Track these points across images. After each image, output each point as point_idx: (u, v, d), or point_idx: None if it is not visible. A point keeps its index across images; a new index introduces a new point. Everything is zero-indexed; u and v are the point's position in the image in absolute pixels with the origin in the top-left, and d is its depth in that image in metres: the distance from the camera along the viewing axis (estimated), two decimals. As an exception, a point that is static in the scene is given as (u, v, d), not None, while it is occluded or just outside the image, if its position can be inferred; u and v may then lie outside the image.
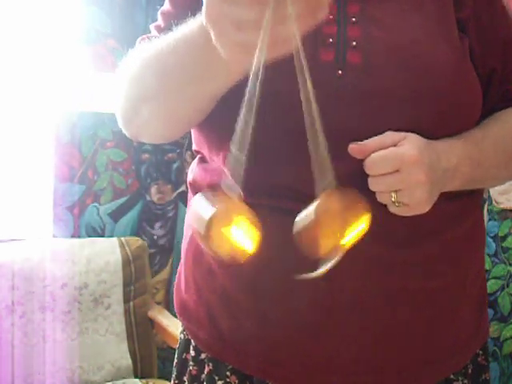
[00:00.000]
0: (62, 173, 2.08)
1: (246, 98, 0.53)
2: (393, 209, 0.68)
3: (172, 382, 0.87)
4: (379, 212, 0.67)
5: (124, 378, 1.93)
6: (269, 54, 0.51)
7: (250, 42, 0.50)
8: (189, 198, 0.86)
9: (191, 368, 0.82)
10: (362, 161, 0.68)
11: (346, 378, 0.72)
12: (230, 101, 0.65)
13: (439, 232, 0.73)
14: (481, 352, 0.83)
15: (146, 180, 2.21)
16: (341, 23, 0.70)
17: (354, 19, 0.71)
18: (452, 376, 0.78)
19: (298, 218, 0.55)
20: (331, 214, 0.53)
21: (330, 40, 0.70)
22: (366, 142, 0.66)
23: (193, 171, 0.84)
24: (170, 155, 2.23)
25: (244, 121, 0.53)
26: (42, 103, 2.02)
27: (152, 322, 2.05)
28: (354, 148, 0.66)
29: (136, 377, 1.97)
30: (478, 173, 0.75)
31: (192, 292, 0.81)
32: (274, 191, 0.71)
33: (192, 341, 0.83)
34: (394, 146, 0.66)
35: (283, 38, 0.50)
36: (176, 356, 0.87)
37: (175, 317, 2.08)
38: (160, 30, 0.79)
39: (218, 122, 0.73)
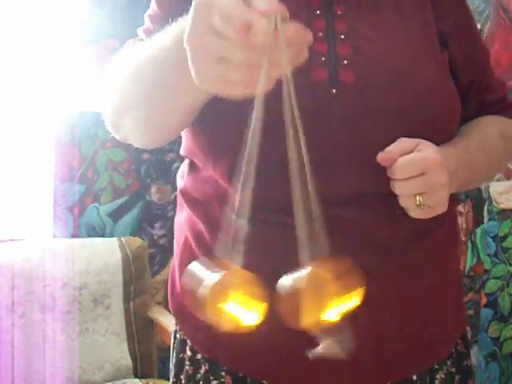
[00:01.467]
0: (62, 173, 2.08)
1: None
2: (415, 212, 0.70)
3: (170, 380, 0.88)
4: (367, 221, 0.72)
5: (124, 378, 1.94)
6: (241, 92, 0.51)
7: (225, 77, 0.50)
8: (179, 203, 0.87)
9: (187, 367, 0.83)
10: (358, 180, 0.72)
11: (338, 373, 0.75)
12: (228, 112, 0.65)
13: (423, 237, 0.77)
14: (460, 341, 0.87)
15: (146, 180, 2.21)
16: (330, 40, 0.72)
17: (342, 36, 0.72)
18: (436, 366, 0.82)
19: (282, 282, 0.52)
20: (318, 287, 0.50)
21: (322, 58, 0.71)
22: (389, 149, 0.69)
23: (183, 178, 0.84)
24: (170, 155, 2.23)
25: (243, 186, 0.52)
26: (42, 103, 2.03)
27: (152, 322, 2.05)
28: (383, 157, 0.69)
29: (136, 377, 1.97)
30: (469, 176, 0.80)
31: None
32: (272, 206, 0.73)
33: (188, 341, 0.84)
34: (412, 151, 0.70)
35: (259, 81, 0.50)
36: (174, 356, 0.88)
37: (175, 317, 2.08)
38: (148, 32, 0.79)
39: (216, 132, 0.73)
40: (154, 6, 0.80)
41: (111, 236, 2.13)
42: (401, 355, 0.77)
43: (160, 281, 2.27)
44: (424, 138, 0.72)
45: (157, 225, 2.23)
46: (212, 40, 0.49)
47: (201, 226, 0.80)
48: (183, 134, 0.82)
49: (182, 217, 0.85)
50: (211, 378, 0.80)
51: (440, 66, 0.77)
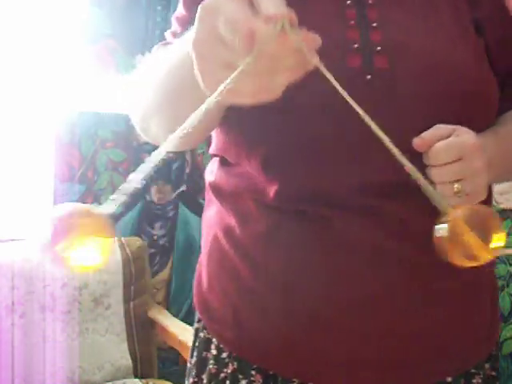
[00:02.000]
0: (62, 173, 2.08)
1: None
2: (453, 200, 0.67)
3: (191, 380, 0.86)
4: (406, 214, 0.70)
5: (124, 378, 1.94)
6: (251, 100, 0.50)
7: (232, 85, 0.49)
8: (207, 199, 0.86)
9: (211, 366, 0.82)
10: (393, 168, 0.68)
11: (372, 374, 0.74)
12: (261, 108, 0.65)
13: None
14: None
15: (146, 180, 2.21)
16: (362, 28, 0.72)
17: (374, 24, 0.72)
18: (473, 370, 0.80)
19: (441, 226, 0.54)
20: (482, 221, 0.53)
21: (356, 45, 0.71)
22: (425, 134, 0.67)
23: (213, 173, 0.83)
24: (170, 155, 2.23)
25: None
26: (42, 103, 2.03)
27: (152, 322, 2.05)
28: (419, 142, 0.67)
29: (136, 377, 1.97)
30: (505, 167, 0.77)
31: (216, 292, 0.81)
32: (305, 197, 0.72)
33: (214, 339, 0.83)
34: (449, 137, 0.68)
35: (269, 88, 0.49)
36: (195, 355, 0.86)
37: (175, 317, 2.08)
38: (175, 35, 0.79)
39: (248, 128, 0.73)
40: (181, 9, 0.80)
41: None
42: (434, 356, 0.76)
43: (160, 281, 2.27)
44: (460, 124, 0.69)
45: (157, 225, 2.23)
46: (217, 47, 0.48)
47: (231, 220, 0.79)
48: (213, 133, 0.81)
49: (211, 212, 0.84)
50: (240, 376, 0.79)
51: (475, 53, 0.75)
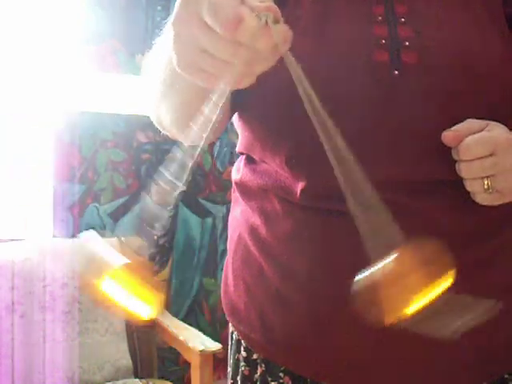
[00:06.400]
0: (62, 173, 2.08)
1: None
2: (482, 197, 0.66)
3: (229, 382, 0.85)
4: (434, 212, 0.67)
5: (124, 377, 1.94)
6: (230, 88, 0.49)
7: (207, 70, 0.48)
8: (233, 198, 0.85)
9: (243, 368, 0.81)
10: (422, 165, 0.67)
11: (405, 380, 0.71)
12: (285, 104, 0.64)
13: (492, 234, 0.72)
14: None
15: (146, 180, 2.21)
16: (390, 24, 0.70)
17: (403, 19, 0.71)
18: (507, 376, 0.76)
19: (360, 277, 0.49)
20: (401, 277, 0.46)
21: (383, 41, 0.69)
22: (456, 127, 0.65)
23: (240, 171, 0.82)
24: (170, 155, 2.23)
25: None
26: (43, 103, 2.03)
27: (152, 322, 2.05)
28: (450, 134, 0.65)
29: (136, 377, 1.97)
30: None
31: (242, 293, 0.80)
32: (332, 194, 0.69)
33: (243, 342, 0.81)
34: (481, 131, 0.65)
35: (247, 77, 0.49)
36: (231, 357, 0.85)
37: (175, 317, 2.08)
38: None
39: (273, 124, 0.72)
40: None
41: (111, 236, 2.13)
42: (467, 361, 0.71)
43: (160, 281, 2.27)
44: (491, 119, 0.67)
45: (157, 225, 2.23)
46: (197, 30, 0.47)
47: (256, 219, 0.77)
48: (239, 131, 0.81)
49: (236, 213, 0.83)
50: (269, 379, 0.77)
51: (508, 49, 0.72)
